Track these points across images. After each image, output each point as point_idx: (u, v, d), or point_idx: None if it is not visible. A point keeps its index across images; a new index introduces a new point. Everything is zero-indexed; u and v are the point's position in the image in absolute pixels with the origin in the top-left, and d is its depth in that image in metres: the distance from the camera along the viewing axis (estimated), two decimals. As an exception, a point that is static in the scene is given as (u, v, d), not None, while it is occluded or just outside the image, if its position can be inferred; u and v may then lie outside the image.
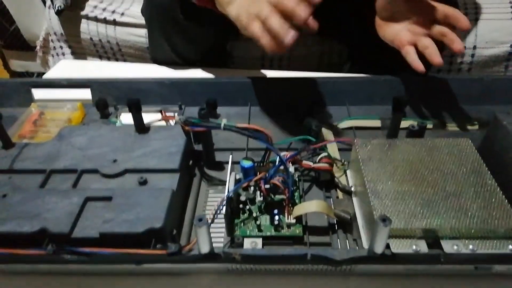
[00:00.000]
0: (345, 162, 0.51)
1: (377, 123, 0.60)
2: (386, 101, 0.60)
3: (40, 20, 1.09)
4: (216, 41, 0.83)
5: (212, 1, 0.60)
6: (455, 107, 0.63)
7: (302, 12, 0.45)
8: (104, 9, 1.01)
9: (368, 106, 0.63)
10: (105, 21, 1.01)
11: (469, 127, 0.60)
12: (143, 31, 0.97)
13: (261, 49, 0.49)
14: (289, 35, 0.46)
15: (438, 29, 0.56)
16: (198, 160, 0.53)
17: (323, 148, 0.50)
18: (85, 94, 0.64)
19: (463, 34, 0.92)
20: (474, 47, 0.93)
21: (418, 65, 0.55)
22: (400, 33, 0.59)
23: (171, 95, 0.63)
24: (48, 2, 1.04)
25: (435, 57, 0.53)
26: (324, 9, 0.82)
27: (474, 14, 0.94)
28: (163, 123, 0.60)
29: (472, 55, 0.94)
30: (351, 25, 0.83)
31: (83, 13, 1.02)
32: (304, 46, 0.93)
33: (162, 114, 0.62)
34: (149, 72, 0.80)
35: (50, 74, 0.80)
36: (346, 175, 0.50)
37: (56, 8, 0.98)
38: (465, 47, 0.93)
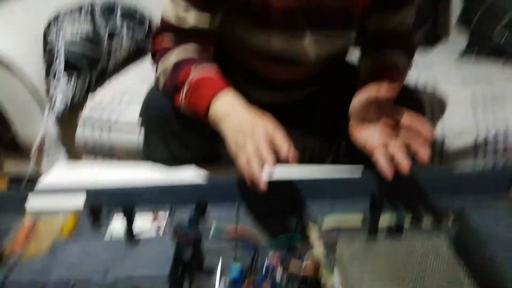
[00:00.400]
0: (332, 261, 0.53)
1: (358, 218, 0.63)
2: (366, 195, 0.63)
3: (37, 124, 1.15)
4: (210, 145, 0.88)
5: (205, 114, 0.67)
6: (431, 200, 0.67)
7: (283, 154, 0.51)
8: (100, 114, 1.08)
9: (350, 200, 0.66)
10: (100, 124, 1.07)
11: (445, 220, 0.63)
12: (136, 134, 1.03)
13: None
14: (261, 182, 0.51)
15: (405, 135, 0.61)
16: (189, 266, 0.54)
17: (310, 248, 0.52)
18: (79, 201, 0.67)
19: (433, 125, 0.99)
20: (443, 138, 0.99)
21: (386, 173, 0.58)
22: (371, 137, 0.64)
23: (163, 197, 0.67)
24: (47, 108, 1.11)
25: (402, 166, 0.57)
26: (307, 106, 0.90)
27: (439, 107, 1.03)
28: (154, 224, 0.62)
29: (442, 144, 1.00)
30: (333, 122, 0.90)
31: (79, 117, 1.09)
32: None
33: (153, 215, 0.64)
34: (142, 172, 0.83)
35: (45, 180, 0.83)
36: (333, 273, 0.52)
37: (55, 113, 1.04)
38: (433, 143, 0.99)
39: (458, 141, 0.99)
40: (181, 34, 0.74)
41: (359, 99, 0.66)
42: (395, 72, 0.76)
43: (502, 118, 0.99)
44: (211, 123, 0.67)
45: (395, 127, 0.63)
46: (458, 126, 1.00)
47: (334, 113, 0.86)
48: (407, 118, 0.62)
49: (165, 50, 0.75)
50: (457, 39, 1.44)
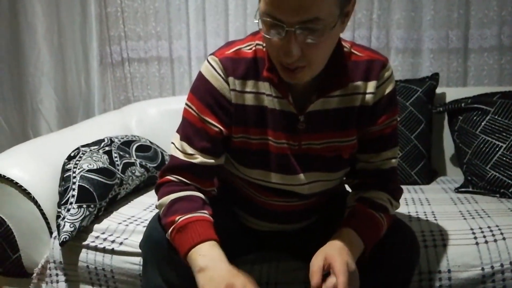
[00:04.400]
0: None
1: None
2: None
3: (42, 249, 1.17)
4: None
5: (185, 259, 0.72)
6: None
7: None
8: (104, 239, 1.11)
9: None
10: (103, 250, 1.09)
11: None
12: (138, 259, 1.04)
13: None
14: None
15: None
16: None
17: None
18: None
19: (436, 259, 0.99)
20: (449, 271, 0.99)
21: None
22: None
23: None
24: (54, 233, 1.14)
25: None
26: (309, 236, 0.93)
27: (441, 240, 1.04)
28: None
29: (449, 278, 0.98)
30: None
31: (84, 243, 1.11)
32: (288, 272, 0.98)
33: None
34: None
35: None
36: None
37: (61, 240, 1.07)
38: (440, 270, 0.98)
39: (465, 274, 0.98)
40: (190, 168, 0.81)
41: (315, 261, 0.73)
42: (372, 212, 0.81)
43: (504, 249, 0.99)
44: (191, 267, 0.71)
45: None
46: (462, 259, 1.00)
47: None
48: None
49: (169, 186, 0.81)
50: (452, 176, 1.51)
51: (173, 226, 0.75)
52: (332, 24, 0.67)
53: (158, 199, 0.82)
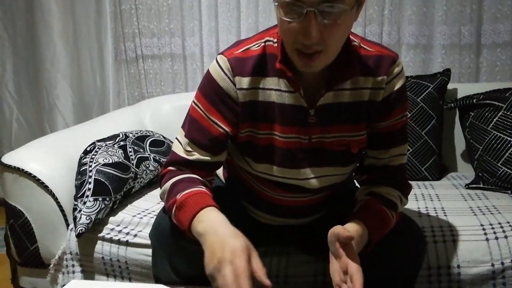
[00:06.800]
0: None
1: None
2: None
3: (59, 241, 1.21)
4: None
5: (189, 231, 0.73)
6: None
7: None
8: (119, 231, 1.14)
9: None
10: (118, 242, 1.12)
11: None
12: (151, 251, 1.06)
13: None
14: None
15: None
16: None
17: None
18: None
19: (445, 254, 1.00)
20: (458, 266, 0.99)
21: None
22: (334, 273, 0.73)
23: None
24: (71, 225, 1.17)
25: None
26: (319, 229, 0.94)
27: (450, 236, 1.04)
28: None
29: (459, 274, 0.99)
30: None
31: (100, 235, 1.15)
32: (298, 265, 1.00)
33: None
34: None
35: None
36: None
37: (78, 231, 1.10)
38: (449, 266, 0.99)
39: (474, 270, 0.99)
40: (187, 164, 0.84)
41: (330, 234, 0.75)
42: (383, 208, 0.82)
43: (514, 246, 0.99)
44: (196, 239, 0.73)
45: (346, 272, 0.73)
46: (472, 254, 1.00)
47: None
48: (353, 269, 0.71)
49: (170, 175, 0.84)
50: (463, 172, 1.51)
51: (174, 206, 0.77)
52: (350, 7, 0.69)
53: (161, 188, 0.85)
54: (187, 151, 0.84)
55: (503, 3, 1.61)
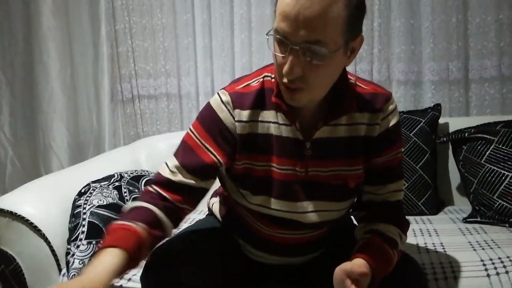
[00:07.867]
0: None
1: None
2: None
3: (51, 284, 1.17)
4: None
5: None
6: None
7: None
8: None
9: None
10: (112, 287, 1.08)
11: None
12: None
13: None
14: None
15: None
16: None
17: None
18: None
19: None
20: None
21: None
22: None
23: None
24: (63, 270, 1.14)
25: None
26: (318, 269, 0.92)
27: (451, 272, 1.03)
28: None
29: None
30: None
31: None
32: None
33: None
34: None
35: None
36: None
37: (70, 276, 1.07)
38: None
39: None
40: (169, 184, 0.83)
41: (339, 272, 0.73)
42: (385, 247, 0.82)
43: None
44: None
45: None
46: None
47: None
48: None
49: (144, 195, 0.83)
50: (460, 205, 1.50)
51: (109, 228, 0.77)
52: (333, 50, 0.71)
53: None
54: (172, 172, 0.83)
55: (488, 39, 1.67)
